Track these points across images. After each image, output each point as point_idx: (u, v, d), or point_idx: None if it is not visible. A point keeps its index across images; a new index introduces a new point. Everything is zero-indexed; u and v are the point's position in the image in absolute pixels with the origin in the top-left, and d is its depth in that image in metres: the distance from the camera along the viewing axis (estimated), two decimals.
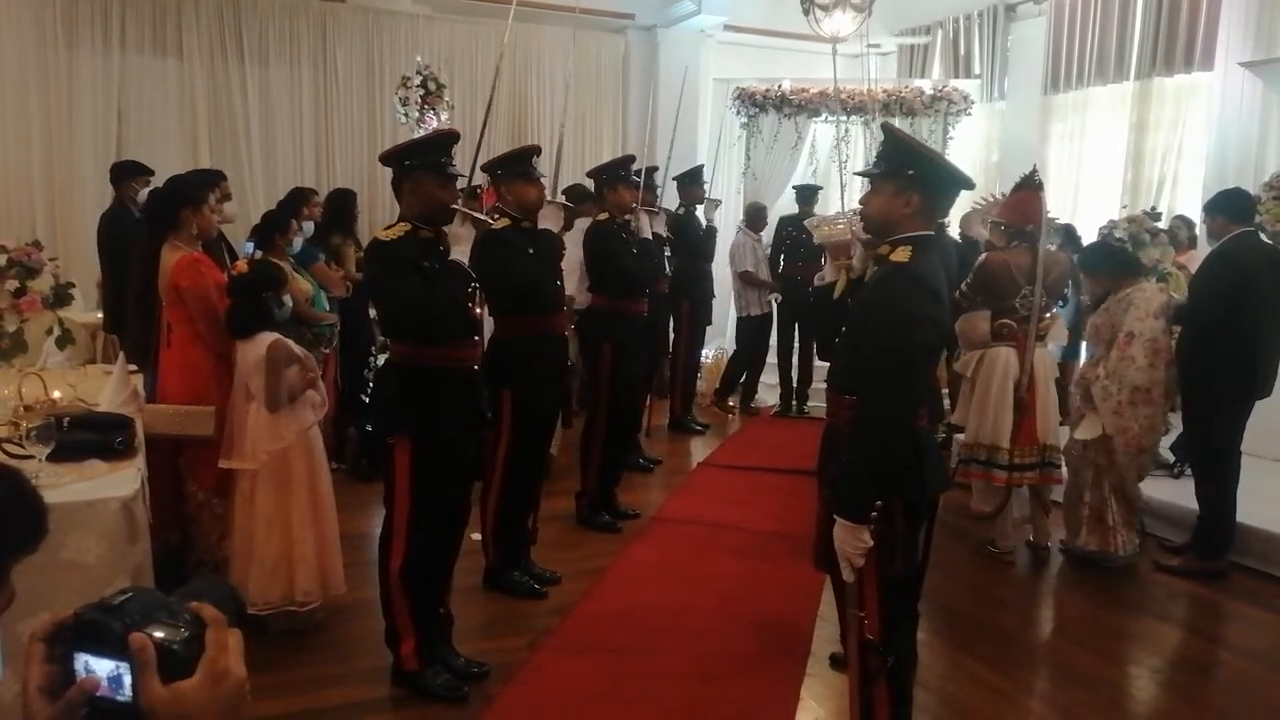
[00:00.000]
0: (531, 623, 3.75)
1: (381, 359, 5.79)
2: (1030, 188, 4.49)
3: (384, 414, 3.13)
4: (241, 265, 3.53)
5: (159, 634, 0.82)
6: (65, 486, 2.48)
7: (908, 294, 2.30)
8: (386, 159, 3.14)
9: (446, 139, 3.13)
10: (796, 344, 7.47)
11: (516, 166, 3.84)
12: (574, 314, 5.09)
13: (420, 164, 3.00)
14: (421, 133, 6.53)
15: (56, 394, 3.33)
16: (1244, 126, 6.23)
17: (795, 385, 7.51)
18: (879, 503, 2.29)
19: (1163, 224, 5.90)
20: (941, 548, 4.73)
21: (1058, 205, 7.82)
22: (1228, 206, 4.52)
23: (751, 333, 7.47)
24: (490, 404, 3.62)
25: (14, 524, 1.18)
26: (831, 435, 2.60)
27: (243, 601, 1.00)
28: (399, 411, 3.04)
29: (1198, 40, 6.80)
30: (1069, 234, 6.69)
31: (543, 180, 3.93)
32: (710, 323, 7.27)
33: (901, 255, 2.34)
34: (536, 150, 3.98)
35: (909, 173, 2.36)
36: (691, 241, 6.77)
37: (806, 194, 7.38)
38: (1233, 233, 4.44)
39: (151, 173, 5.68)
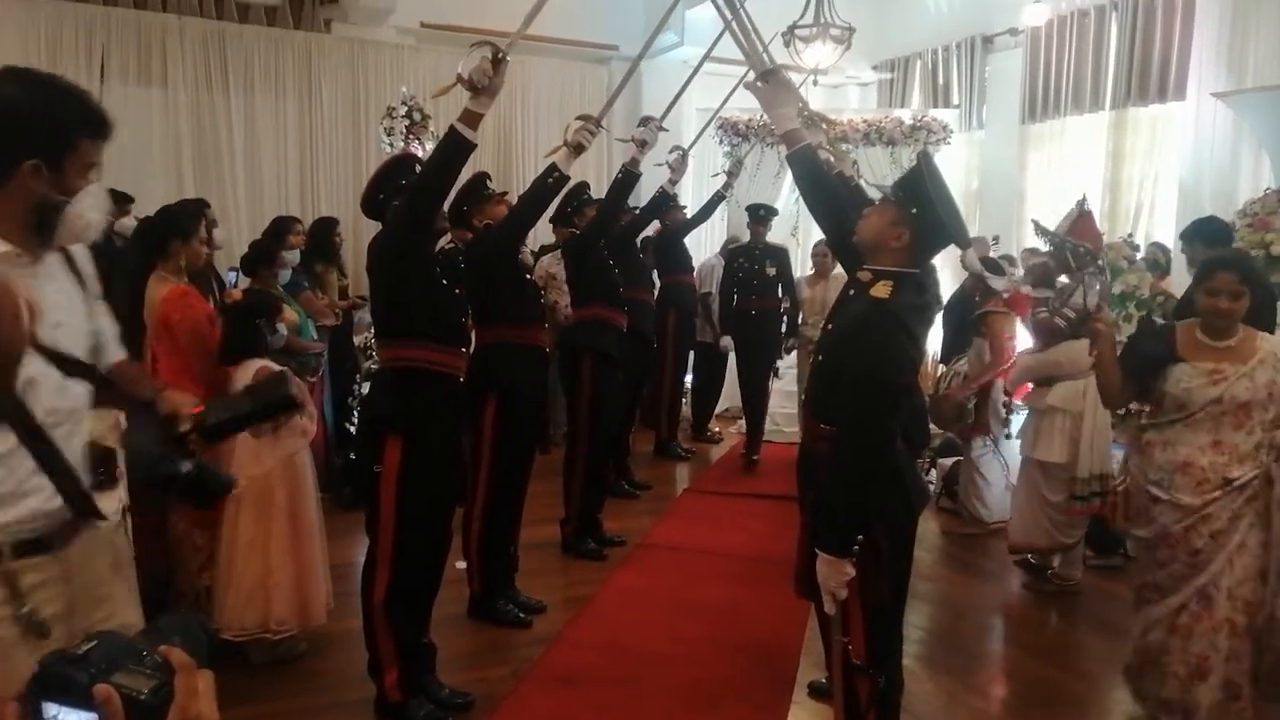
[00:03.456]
0: (516, 652, 3.74)
1: (367, 387, 5.81)
2: (1086, 215, 4.52)
3: (378, 410, 3.13)
4: (236, 293, 3.54)
5: (126, 684, 0.81)
6: None
7: (887, 333, 2.32)
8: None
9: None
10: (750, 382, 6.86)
11: (476, 194, 3.97)
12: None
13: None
14: None
15: None
16: (1217, 155, 6.34)
17: (748, 431, 6.92)
18: (860, 536, 2.30)
19: (1141, 252, 6.01)
20: (930, 574, 4.77)
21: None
22: (1206, 234, 4.57)
23: (705, 359, 7.42)
24: (473, 416, 3.65)
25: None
26: (807, 460, 2.62)
27: (214, 635, 0.99)
28: (395, 407, 3.04)
29: (1170, 71, 6.94)
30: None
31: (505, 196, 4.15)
32: (694, 344, 7.29)
33: (882, 290, 2.35)
34: (485, 175, 4.14)
35: (912, 210, 2.36)
36: (675, 258, 6.93)
37: (761, 215, 6.78)
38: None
39: (131, 200, 5.67)
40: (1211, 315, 2.89)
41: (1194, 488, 2.84)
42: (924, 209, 2.35)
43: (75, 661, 0.82)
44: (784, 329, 6.80)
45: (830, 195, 2.72)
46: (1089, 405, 4.35)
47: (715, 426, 7.80)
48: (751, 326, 6.70)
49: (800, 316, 6.75)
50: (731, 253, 7.08)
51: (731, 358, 7.49)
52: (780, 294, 6.77)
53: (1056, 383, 4.42)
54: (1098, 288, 4.36)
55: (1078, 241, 4.47)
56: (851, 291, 2.51)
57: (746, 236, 7.52)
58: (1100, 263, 4.47)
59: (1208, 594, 2.85)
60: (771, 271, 6.71)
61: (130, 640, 0.87)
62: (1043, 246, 7.08)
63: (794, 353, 6.93)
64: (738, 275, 6.79)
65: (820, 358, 2.59)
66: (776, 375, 7.07)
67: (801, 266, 7.99)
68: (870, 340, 2.33)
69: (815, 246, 6.75)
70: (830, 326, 2.59)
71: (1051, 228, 4.63)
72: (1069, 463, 4.40)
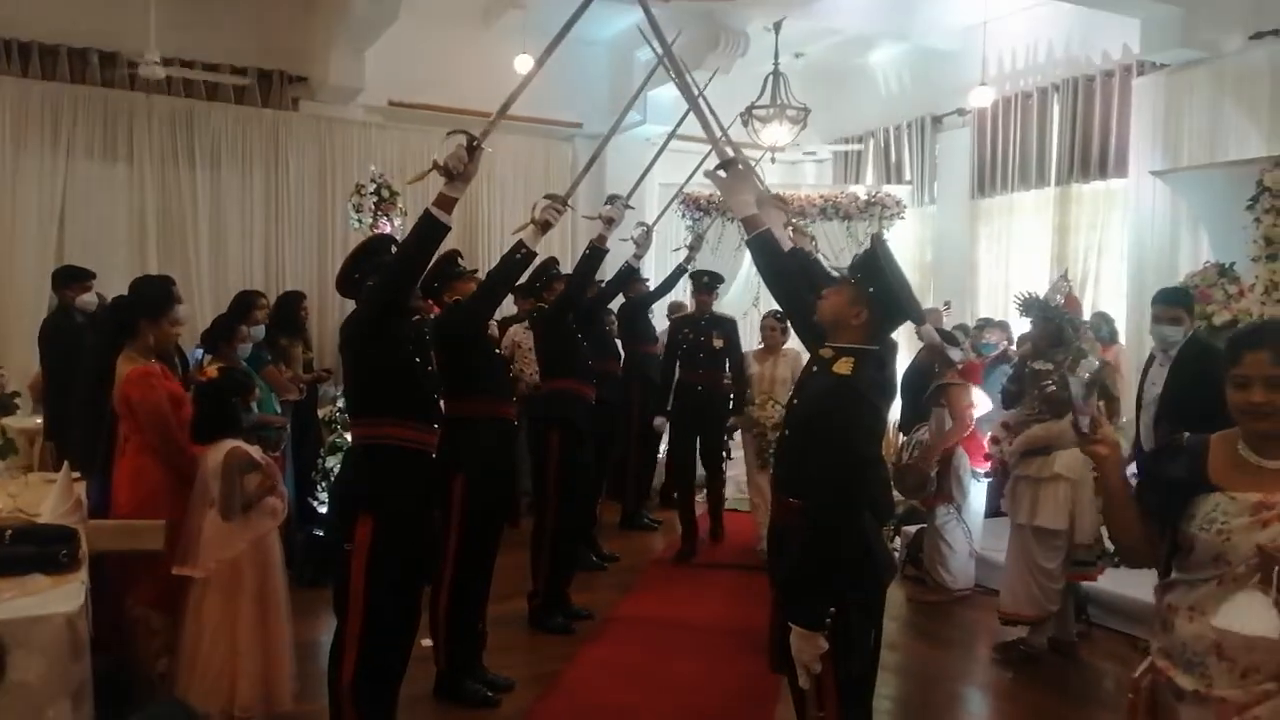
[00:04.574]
0: None
1: (331, 461, 5.77)
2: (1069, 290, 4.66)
3: (351, 490, 3.12)
4: (211, 371, 3.54)
5: None
6: (7, 603, 2.42)
7: (851, 409, 2.40)
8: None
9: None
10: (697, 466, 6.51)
11: (447, 271, 4.02)
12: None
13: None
14: None
15: None
16: (1158, 230, 6.63)
17: (711, 519, 6.54)
18: (833, 609, 2.34)
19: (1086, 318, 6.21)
20: (896, 644, 4.78)
21: (988, 304, 8.20)
22: (1180, 298, 4.60)
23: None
24: (441, 490, 3.65)
25: None
26: (779, 535, 2.66)
27: None
28: (367, 485, 3.05)
29: (1110, 150, 7.29)
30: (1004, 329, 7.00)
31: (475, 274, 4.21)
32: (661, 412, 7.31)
33: (844, 368, 2.44)
34: (457, 253, 4.19)
35: (869, 289, 2.48)
36: (639, 330, 7.00)
37: (705, 283, 6.37)
38: (1192, 329, 4.58)
39: (93, 276, 5.65)
40: (1246, 415, 1.96)
41: (1236, 678, 1.86)
42: (880, 287, 2.47)
43: None
44: (730, 407, 6.29)
45: (789, 278, 2.82)
46: (1087, 474, 4.41)
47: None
48: (696, 403, 6.25)
49: (746, 394, 6.18)
50: (675, 323, 6.70)
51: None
52: (727, 369, 6.36)
53: (1054, 451, 4.49)
54: (1087, 376, 4.44)
55: (1069, 314, 4.60)
56: (815, 369, 2.60)
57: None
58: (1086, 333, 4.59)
59: None
60: (719, 344, 6.29)
61: None
62: (996, 317, 7.35)
63: (737, 433, 6.45)
64: (681, 347, 6.36)
65: (787, 433, 2.67)
66: (728, 457, 6.69)
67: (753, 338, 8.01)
68: (835, 416, 2.42)
69: (764, 319, 6.28)
70: (795, 403, 2.67)
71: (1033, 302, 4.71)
72: (1068, 529, 4.48)
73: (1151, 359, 4.77)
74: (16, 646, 2.28)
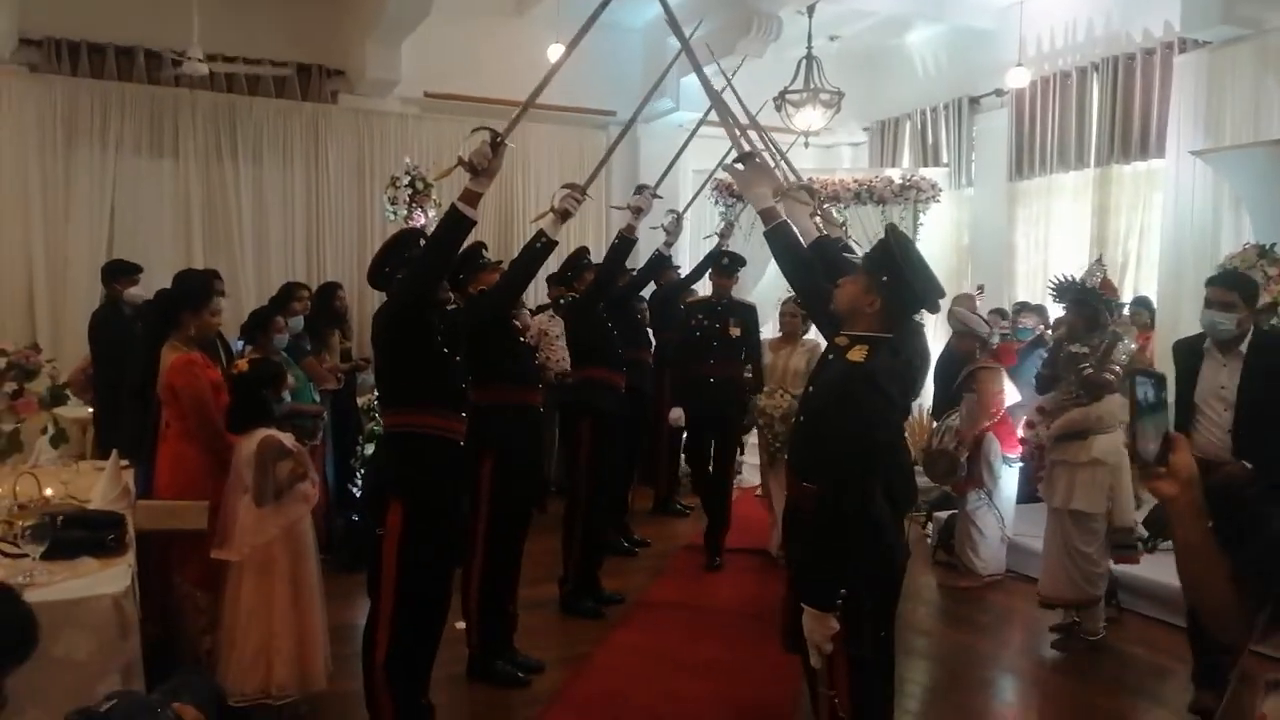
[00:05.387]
0: (515, 712, 3.77)
1: (369, 448, 5.91)
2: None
3: (382, 476, 3.24)
4: (242, 364, 3.67)
5: None
6: (58, 585, 2.56)
7: (864, 395, 2.45)
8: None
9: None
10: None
11: (474, 263, 4.06)
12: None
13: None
14: None
15: (49, 492, 3.42)
16: (1198, 212, 6.49)
17: (714, 527, 5.83)
18: (844, 590, 2.39)
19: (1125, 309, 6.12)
20: (925, 629, 4.80)
21: (1026, 287, 8.10)
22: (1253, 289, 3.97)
23: None
24: (469, 476, 3.74)
25: (5, 636, 1.27)
26: (794, 517, 2.71)
27: (224, 697, 1.09)
28: (397, 472, 3.16)
29: (1151, 130, 7.13)
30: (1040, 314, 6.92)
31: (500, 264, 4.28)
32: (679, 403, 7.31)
33: (857, 355, 2.48)
34: (482, 245, 4.23)
35: (883, 277, 2.52)
36: (669, 317, 6.89)
37: (725, 265, 5.88)
38: (1250, 321, 3.89)
39: (140, 270, 5.82)
40: None
41: None
42: (893, 276, 2.50)
43: (98, 718, 0.92)
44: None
45: (807, 268, 2.87)
46: (1124, 456, 4.40)
47: None
48: (709, 397, 5.73)
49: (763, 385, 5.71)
50: (688, 308, 6.13)
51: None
52: (744, 358, 5.83)
53: (1092, 435, 4.48)
54: (1125, 359, 4.39)
55: (1107, 297, 4.59)
56: (830, 356, 2.64)
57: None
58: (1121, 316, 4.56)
59: None
60: (736, 332, 5.77)
61: (147, 699, 0.97)
62: (1034, 301, 7.26)
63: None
64: (695, 334, 5.82)
65: (801, 419, 2.71)
66: (741, 451, 6.26)
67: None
68: (848, 402, 2.46)
69: (783, 305, 5.82)
70: (810, 389, 2.71)
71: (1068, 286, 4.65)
72: (1106, 513, 4.49)
73: (1202, 352, 3.94)
74: (66, 625, 2.41)
